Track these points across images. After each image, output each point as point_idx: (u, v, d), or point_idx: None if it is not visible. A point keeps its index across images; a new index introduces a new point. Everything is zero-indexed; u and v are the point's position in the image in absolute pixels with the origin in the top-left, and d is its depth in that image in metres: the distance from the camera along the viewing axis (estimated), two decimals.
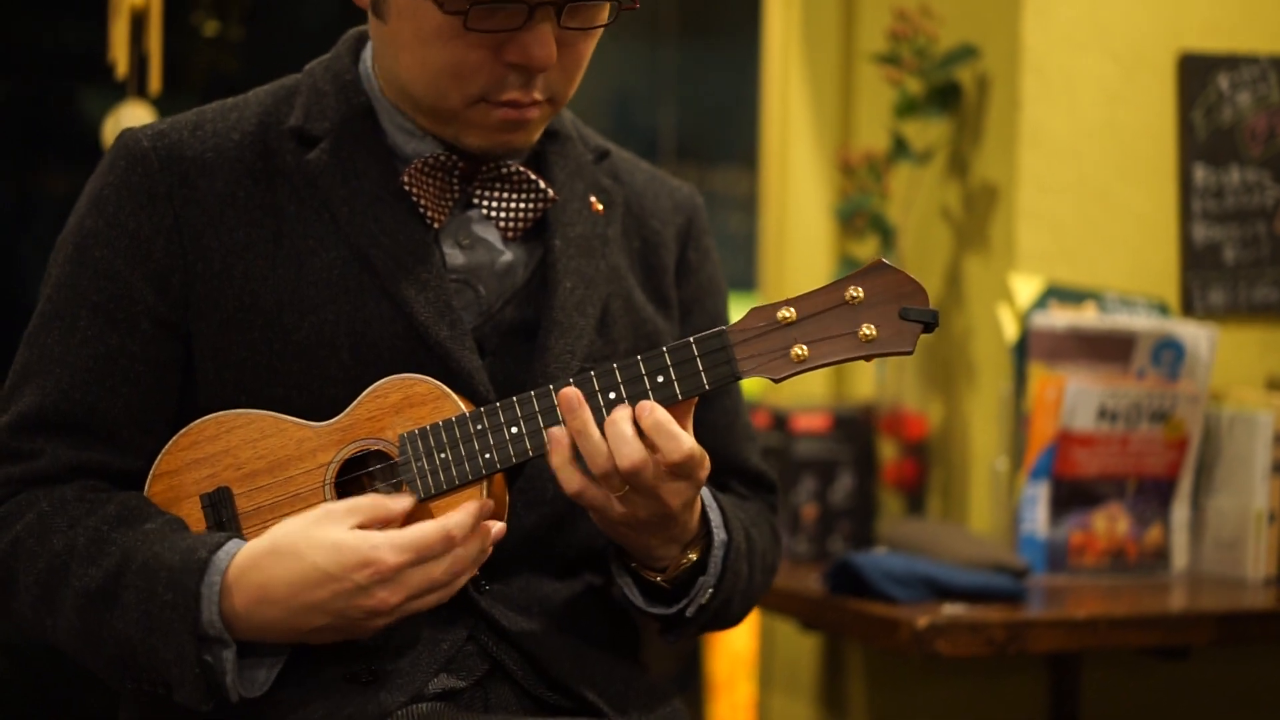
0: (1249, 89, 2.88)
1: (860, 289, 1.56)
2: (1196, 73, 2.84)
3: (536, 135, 1.72)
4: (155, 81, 2.68)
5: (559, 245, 1.75)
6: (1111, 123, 2.82)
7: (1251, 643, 2.70)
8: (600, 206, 1.79)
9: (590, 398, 1.58)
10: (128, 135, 1.72)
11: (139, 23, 2.68)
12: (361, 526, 1.55)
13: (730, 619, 1.79)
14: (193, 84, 3.01)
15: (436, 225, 1.71)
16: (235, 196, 1.69)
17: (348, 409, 1.63)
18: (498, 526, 1.60)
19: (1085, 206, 2.80)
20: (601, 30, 1.68)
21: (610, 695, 1.71)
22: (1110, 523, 2.67)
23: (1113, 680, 2.87)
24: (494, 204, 1.73)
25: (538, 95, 1.65)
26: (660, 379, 1.57)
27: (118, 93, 2.68)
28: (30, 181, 3.02)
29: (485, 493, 1.60)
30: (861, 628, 2.44)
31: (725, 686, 3.63)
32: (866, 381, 3.12)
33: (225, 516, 1.64)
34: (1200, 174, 2.86)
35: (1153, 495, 2.69)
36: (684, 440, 1.55)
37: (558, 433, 1.57)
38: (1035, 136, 2.77)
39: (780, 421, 2.80)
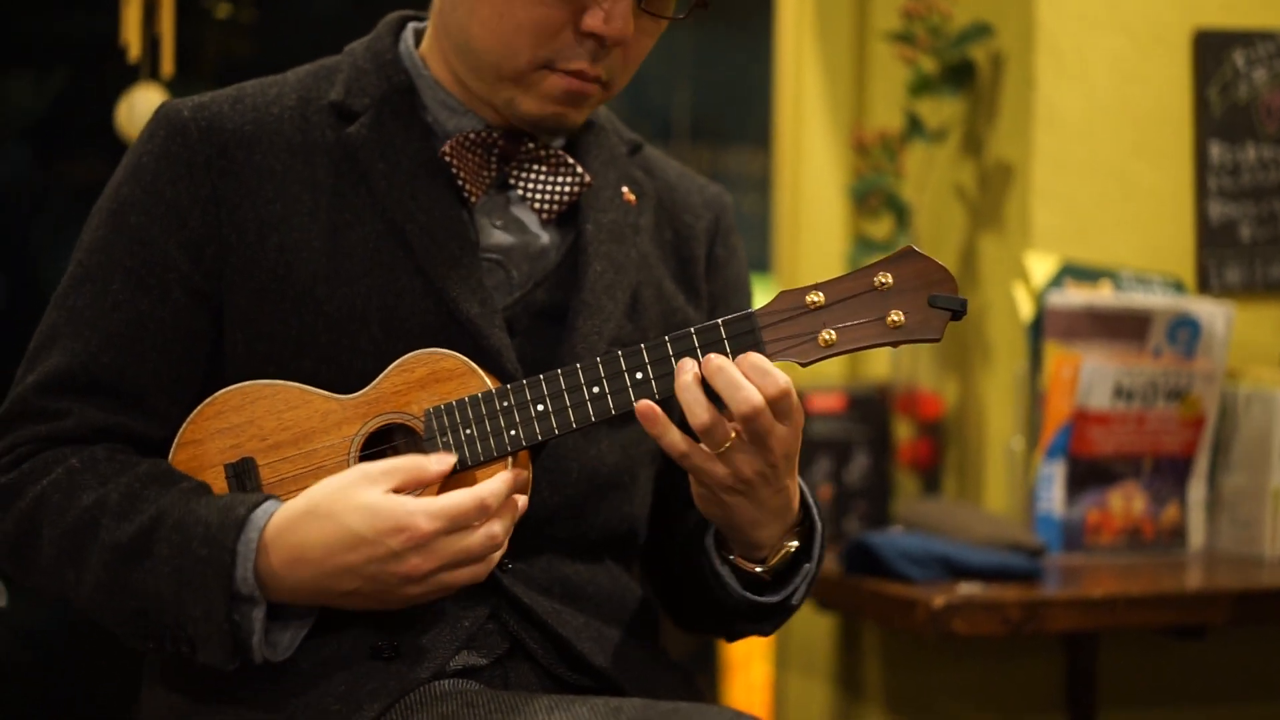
0: (1265, 66, 2.86)
1: (889, 275, 1.55)
2: (1212, 49, 2.83)
3: (584, 118, 1.74)
4: (168, 64, 2.68)
5: (590, 230, 1.76)
6: (1126, 100, 2.81)
7: (1268, 622, 2.70)
8: (633, 197, 1.81)
9: (616, 377, 1.58)
10: (169, 106, 1.73)
11: (151, 6, 2.68)
12: (398, 488, 1.56)
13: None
14: (205, 67, 3.01)
15: (474, 200, 1.72)
16: (273, 169, 1.70)
17: (374, 382, 1.64)
18: (522, 500, 1.60)
19: (1100, 185, 2.79)
20: (662, 30, 1.72)
21: (631, 675, 1.71)
22: (1126, 501, 2.67)
23: (1129, 659, 2.87)
24: (531, 184, 1.74)
25: (601, 73, 1.68)
26: None
27: (130, 76, 2.68)
28: (44, 165, 3.03)
29: (517, 467, 1.61)
30: (877, 608, 2.43)
31: (741, 667, 3.63)
32: (882, 361, 3.12)
33: (249, 486, 1.64)
34: (1216, 151, 2.85)
35: (1169, 474, 2.69)
36: (779, 375, 1.54)
37: (644, 405, 1.55)
38: (1050, 115, 2.76)
39: None
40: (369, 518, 1.53)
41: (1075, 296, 2.65)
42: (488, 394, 1.60)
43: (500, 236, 1.74)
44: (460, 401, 1.60)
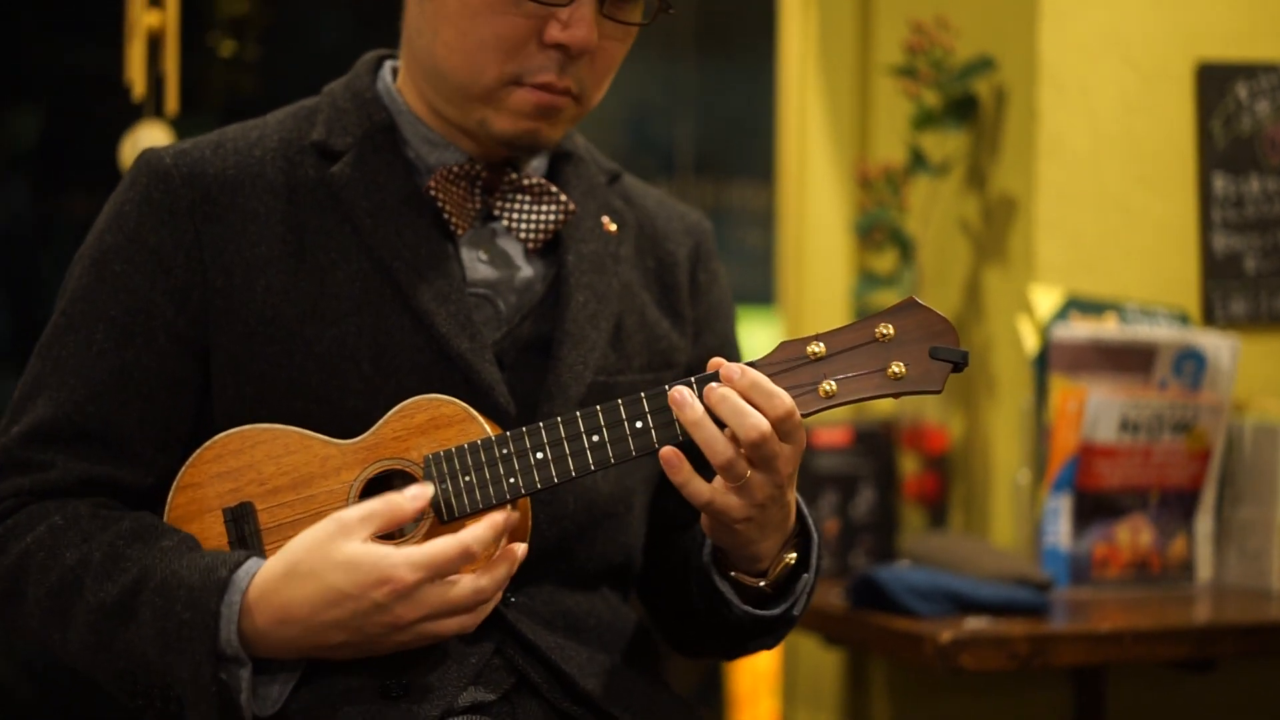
0: (1268, 98, 2.87)
1: (891, 326, 1.56)
2: (1215, 82, 2.83)
3: (560, 134, 1.74)
4: (172, 102, 2.69)
5: (572, 260, 1.76)
6: (1130, 133, 2.81)
7: (1276, 654, 2.69)
8: (613, 226, 1.81)
9: (616, 426, 1.58)
10: (150, 154, 1.74)
11: (156, 44, 2.69)
12: (377, 532, 1.55)
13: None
14: (209, 105, 3.02)
15: (460, 232, 1.72)
16: (257, 212, 1.70)
17: (373, 427, 1.63)
18: (521, 549, 1.59)
19: (1105, 217, 2.79)
20: (632, 39, 1.72)
21: (636, 711, 1.71)
22: (1133, 535, 2.66)
23: (1137, 693, 2.86)
24: (515, 215, 1.75)
25: (570, 84, 1.68)
26: None
27: (135, 114, 2.69)
28: (48, 202, 3.03)
29: (507, 510, 1.60)
30: (885, 642, 2.43)
31: (748, 702, 3.62)
32: None
33: (248, 531, 1.63)
34: (1220, 183, 2.85)
35: (1176, 507, 2.68)
36: (783, 395, 1.54)
37: (667, 452, 1.55)
38: (1053, 147, 2.76)
39: None
40: (350, 572, 1.53)
41: (1080, 329, 2.65)
42: (487, 441, 1.60)
43: (486, 270, 1.75)
44: (460, 448, 1.60)
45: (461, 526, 1.58)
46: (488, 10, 1.65)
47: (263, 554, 1.61)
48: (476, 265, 1.74)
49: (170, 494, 1.66)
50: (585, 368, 1.73)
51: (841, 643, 2.72)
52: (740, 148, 4.15)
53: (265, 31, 3.08)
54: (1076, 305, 2.70)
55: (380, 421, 1.63)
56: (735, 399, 1.53)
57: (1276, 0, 2.87)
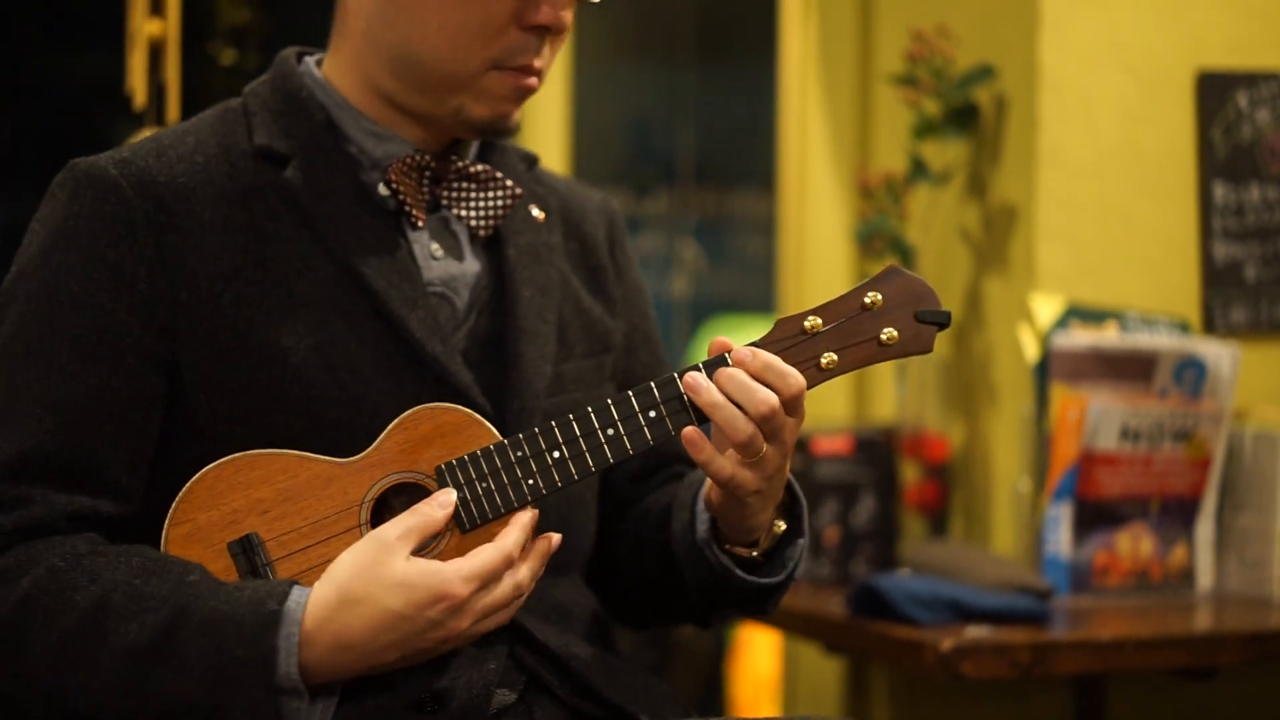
0: (1268, 106, 2.87)
1: (878, 294, 1.61)
2: (1215, 90, 2.84)
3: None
4: (173, 111, 2.69)
5: (513, 254, 1.77)
6: (1130, 141, 2.81)
7: (1278, 663, 2.69)
8: (541, 214, 1.82)
9: (630, 418, 1.59)
10: (87, 165, 1.66)
11: (157, 52, 2.69)
12: (416, 545, 1.56)
13: None
14: None
15: (420, 225, 1.71)
16: (215, 221, 1.65)
17: (375, 442, 1.61)
18: (555, 538, 1.62)
19: (1105, 225, 2.80)
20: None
21: (643, 703, 1.73)
22: (1134, 543, 2.66)
23: (1139, 702, 2.86)
24: (464, 203, 1.74)
25: (543, 66, 1.69)
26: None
27: (136, 122, 2.69)
28: None
29: (531, 509, 1.61)
30: (886, 651, 2.42)
31: (749, 709, 3.62)
32: (887, 403, 3.11)
33: (258, 563, 1.59)
34: (1220, 192, 2.85)
35: (1176, 515, 2.68)
36: (795, 374, 1.58)
37: (690, 432, 1.58)
38: (1054, 156, 2.76)
39: (801, 444, 2.79)
40: (405, 593, 1.53)
41: (1081, 338, 2.65)
42: (500, 445, 1.60)
43: (439, 267, 1.74)
44: (472, 455, 1.60)
45: (487, 533, 1.59)
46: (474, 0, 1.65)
47: (299, 585, 1.57)
48: (430, 262, 1.73)
49: (165, 530, 1.59)
50: (545, 361, 1.74)
51: (842, 651, 2.72)
52: (741, 156, 4.15)
53: (266, 40, 3.08)
54: (1077, 314, 2.70)
55: (382, 435, 1.61)
56: (743, 378, 1.57)
57: (1277, 10, 2.88)
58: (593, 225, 1.89)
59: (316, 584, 1.54)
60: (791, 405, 1.59)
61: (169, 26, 2.69)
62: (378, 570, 1.53)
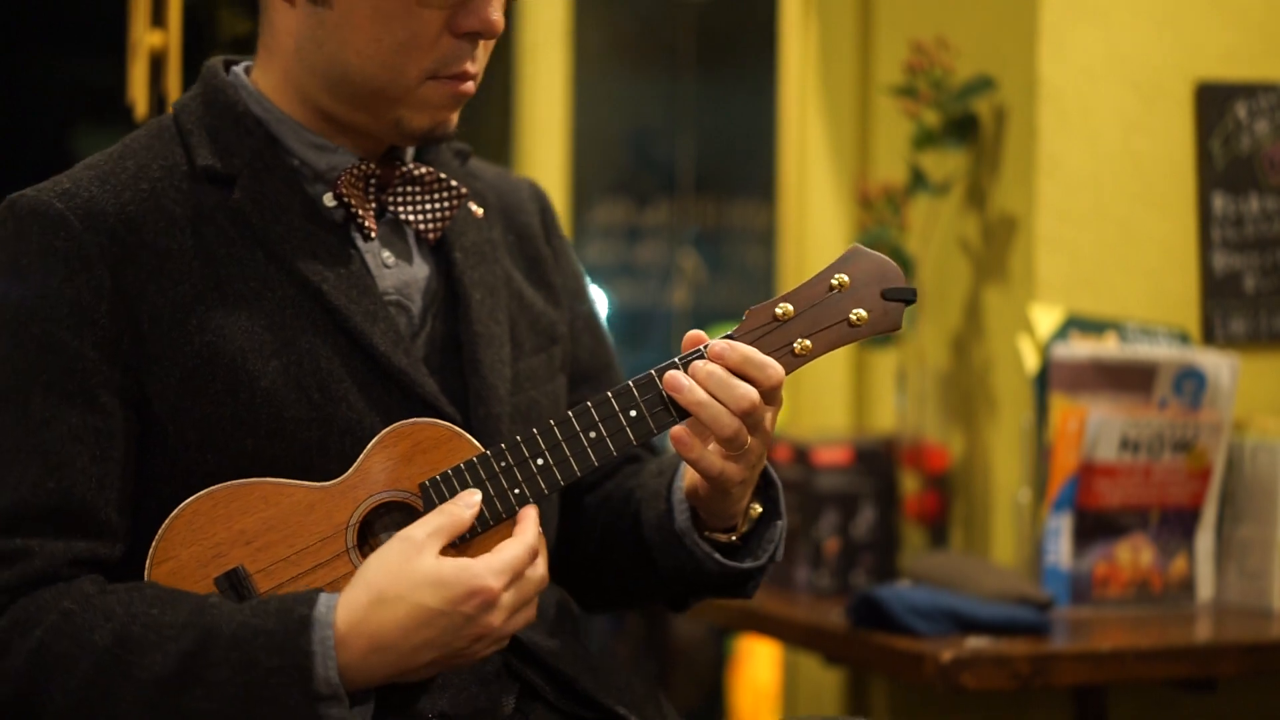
0: (1266, 117, 2.87)
1: (845, 275, 1.62)
2: (1214, 101, 2.84)
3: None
4: None
5: (459, 257, 1.75)
6: (1129, 152, 2.81)
7: (1278, 674, 2.69)
8: (479, 210, 1.80)
9: (611, 419, 1.59)
10: (29, 200, 1.62)
11: (158, 63, 2.69)
12: (444, 544, 1.55)
13: None
14: None
15: (373, 235, 1.70)
16: (169, 249, 1.62)
17: (355, 464, 1.59)
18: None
19: (1104, 236, 2.80)
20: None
21: (635, 706, 1.73)
22: (1134, 554, 2.66)
23: (1139, 713, 2.85)
24: (411, 208, 1.72)
25: (478, 70, 1.68)
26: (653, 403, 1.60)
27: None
28: None
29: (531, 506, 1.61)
30: (886, 662, 2.42)
31: None
32: (887, 414, 3.12)
33: (247, 595, 1.56)
34: (1219, 203, 2.85)
35: (1176, 526, 2.68)
36: (774, 365, 1.59)
37: (679, 431, 1.58)
38: (1053, 167, 2.77)
39: (801, 455, 2.79)
40: (439, 589, 1.52)
41: (1080, 348, 2.65)
42: (483, 457, 1.58)
43: (392, 275, 1.71)
44: (456, 469, 1.58)
45: (480, 544, 1.57)
46: (402, 12, 1.62)
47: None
48: (383, 271, 1.71)
49: (147, 570, 1.57)
50: (503, 364, 1.73)
51: (842, 662, 2.72)
52: (741, 167, 4.16)
53: None
54: (1076, 324, 2.70)
55: (361, 456, 1.59)
56: (723, 374, 1.57)
57: (1275, 21, 2.88)
58: (527, 214, 1.88)
59: (345, 588, 1.53)
60: (771, 395, 1.59)
61: (170, 37, 2.69)
62: (409, 568, 1.52)
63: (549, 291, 1.85)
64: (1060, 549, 2.61)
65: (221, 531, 1.57)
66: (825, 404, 3.30)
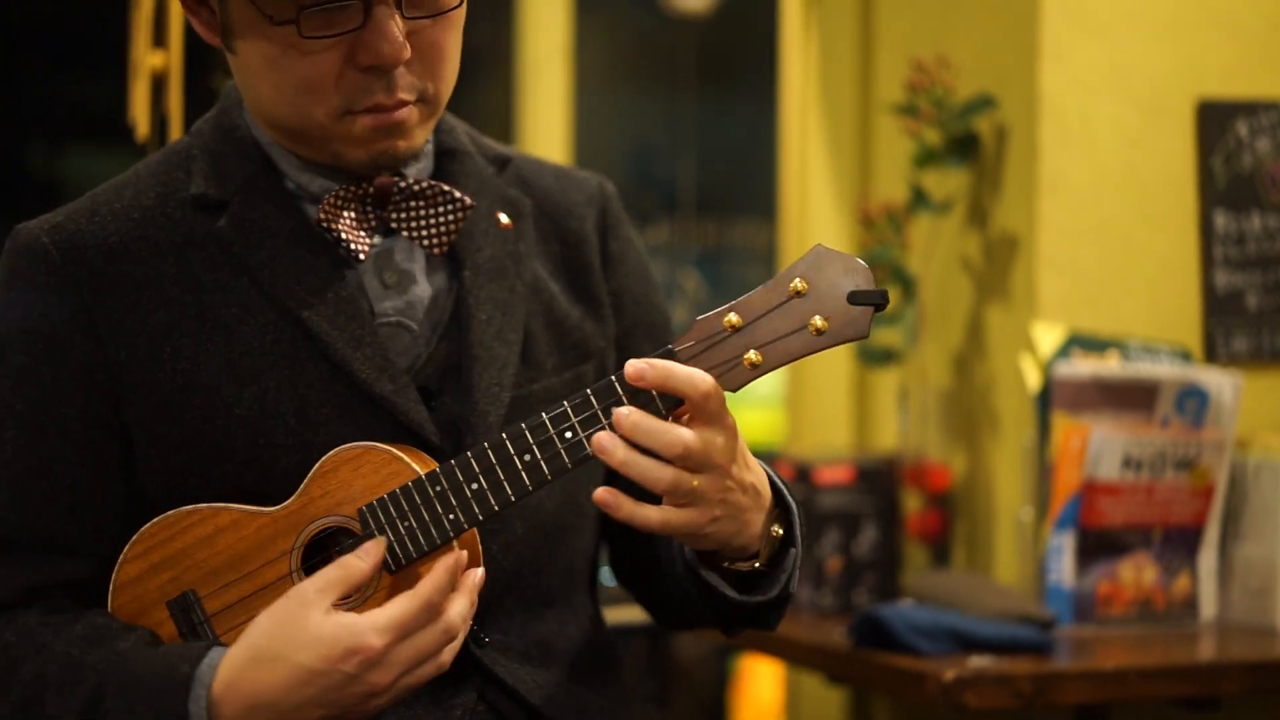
0: (1268, 135, 2.87)
1: (804, 280, 1.48)
2: (1215, 119, 2.84)
3: (421, 139, 1.65)
4: None
5: (468, 276, 1.69)
6: (1131, 170, 2.81)
7: None
8: (509, 221, 1.73)
9: (546, 442, 1.52)
10: (23, 233, 1.65)
11: (159, 84, 2.69)
12: (339, 599, 1.51)
13: None
14: None
15: (362, 256, 1.64)
16: (148, 277, 1.62)
17: (300, 488, 1.57)
18: (478, 574, 1.55)
19: (1106, 254, 2.80)
20: (461, 18, 1.63)
21: None
22: (1137, 572, 2.65)
23: None
24: (414, 223, 1.66)
25: (404, 95, 1.60)
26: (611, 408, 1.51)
27: (138, 153, 2.69)
28: None
29: (456, 549, 1.55)
30: (888, 681, 2.42)
31: None
32: (889, 433, 3.11)
33: (196, 620, 1.58)
34: (1221, 220, 2.85)
35: (1179, 544, 2.67)
36: (701, 375, 1.47)
37: (602, 494, 1.50)
38: (1055, 185, 2.77)
39: (803, 474, 2.79)
40: (317, 648, 1.49)
41: (1083, 367, 2.65)
42: (418, 482, 1.54)
43: (392, 296, 1.68)
44: (393, 494, 1.54)
45: (414, 572, 1.54)
46: (285, 55, 1.57)
47: (217, 641, 1.56)
48: (382, 292, 1.67)
49: (109, 596, 1.59)
50: (501, 389, 1.67)
51: (845, 681, 2.71)
52: (742, 186, 4.16)
53: None
54: (1078, 342, 2.70)
55: (305, 481, 1.57)
56: (649, 424, 1.47)
57: (1277, 39, 2.88)
58: (578, 219, 1.79)
59: (234, 644, 1.53)
60: (707, 412, 1.48)
61: (171, 58, 2.69)
62: (292, 626, 1.50)
63: (591, 304, 1.77)
64: (1063, 568, 2.61)
65: (177, 555, 1.58)
66: (827, 423, 3.30)
